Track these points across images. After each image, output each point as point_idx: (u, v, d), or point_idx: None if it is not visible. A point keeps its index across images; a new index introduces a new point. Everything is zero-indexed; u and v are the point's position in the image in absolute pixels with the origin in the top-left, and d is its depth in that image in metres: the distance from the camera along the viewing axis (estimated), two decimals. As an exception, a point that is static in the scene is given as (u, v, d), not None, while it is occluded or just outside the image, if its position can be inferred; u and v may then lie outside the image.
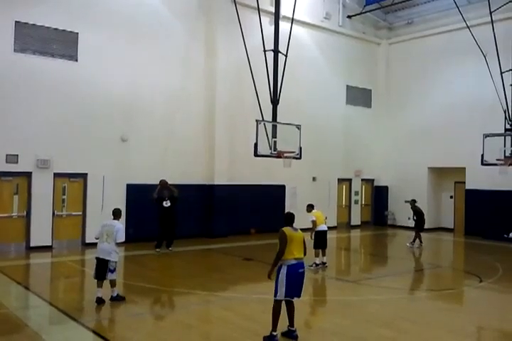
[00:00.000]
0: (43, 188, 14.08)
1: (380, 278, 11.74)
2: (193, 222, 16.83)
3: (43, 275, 11.55)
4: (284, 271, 6.84)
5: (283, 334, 6.98)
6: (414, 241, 16.30)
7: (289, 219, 7.27)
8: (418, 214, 16.63)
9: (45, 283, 10.80)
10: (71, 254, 13.70)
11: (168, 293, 9.71)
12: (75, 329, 7.40)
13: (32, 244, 13.93)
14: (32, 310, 8.63)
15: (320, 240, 12.45)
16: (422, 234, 16.58)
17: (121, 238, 8.73)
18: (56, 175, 14.34)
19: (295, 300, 7.03)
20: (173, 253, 14.13)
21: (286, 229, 7.05)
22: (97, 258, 8.72)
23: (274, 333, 6.80)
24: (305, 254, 7.17)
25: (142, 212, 14.98)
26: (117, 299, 8.70)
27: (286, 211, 7.94)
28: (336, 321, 8.01)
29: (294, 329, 7.00)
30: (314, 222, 12.30)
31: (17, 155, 13.67)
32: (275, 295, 6.88)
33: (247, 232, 18.02)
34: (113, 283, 8.74)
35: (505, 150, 16.49)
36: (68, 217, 14.68)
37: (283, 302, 6.93)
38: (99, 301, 8.48)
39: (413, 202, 16.84)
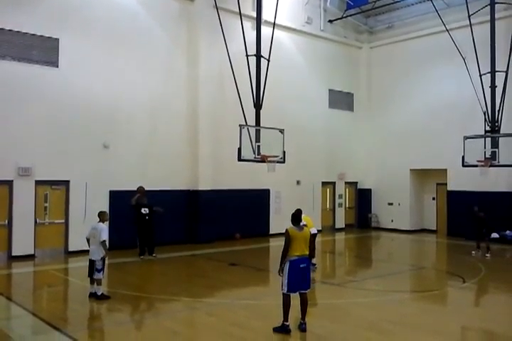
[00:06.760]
0: (24, 196, 13.88)
1: (365, 281, 11.80)
2: (178, 227, 16.73)
3: (25, 285, 11.35)
4: (287, 265, 7.42)
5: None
6: (488, 249, 15.24)
7: (295, 217, 7.73)
8: (482, 221, 15.40)
9: (27, 292, 10.61)
10: (54, 263, 13.50)
11: (153, 300, 9.62)
12: (58, 340, 7.30)
13: (14, 253, 13.70)
14: (14, 320, 8.49)
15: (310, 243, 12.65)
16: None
17: (103, 237, 9.47)
18: (38, 183, 14.15)
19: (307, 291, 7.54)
20: (158, 260, 14.03)
21: (290, 229, 7.54)
22: (89, 259, 9.65)
23: (286, 323, 7.32)
24: (312, 251, 7.67)
25: (126, 218, 14.82)
26: (101, 298, 9.34)
27: (297, 208, 8.29)
28: (324, 325, 8.00)
29: (303, 321, 7.42)
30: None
31: (-3, 163, 13.50)
32: (282, 288, 7.45)
33: (232, 237, 17.99)
34: (98, 282, 9.43)
35: (485, 152, 16.68)
36: (51, 225, 14.49)
37: (296, 295, 7.44)
38: (91, 295, 9.43)
39: (477, 209, 15.59)
